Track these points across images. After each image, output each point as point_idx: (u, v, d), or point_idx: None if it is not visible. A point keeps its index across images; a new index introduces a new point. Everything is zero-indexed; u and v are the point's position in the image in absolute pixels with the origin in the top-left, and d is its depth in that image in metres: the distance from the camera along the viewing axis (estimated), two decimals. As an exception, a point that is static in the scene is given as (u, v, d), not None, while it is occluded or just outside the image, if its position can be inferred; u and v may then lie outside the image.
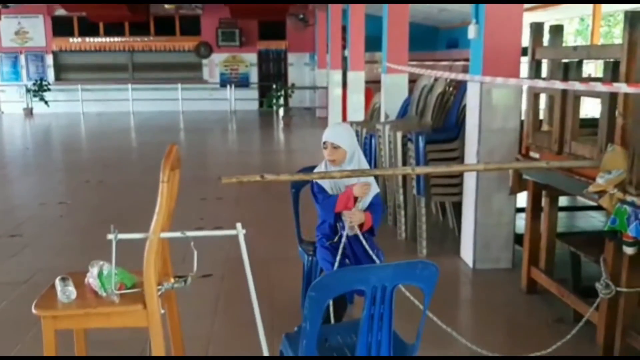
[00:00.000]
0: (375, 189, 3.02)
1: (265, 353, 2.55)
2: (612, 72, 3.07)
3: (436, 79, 5.68)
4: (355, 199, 2.87)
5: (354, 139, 3.05)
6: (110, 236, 2.53)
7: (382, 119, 7.22)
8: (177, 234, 2.64)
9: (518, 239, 4.41)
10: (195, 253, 2.57)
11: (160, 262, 2.69)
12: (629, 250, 2.87)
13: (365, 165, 3.10)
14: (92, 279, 2.61)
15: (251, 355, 3.23)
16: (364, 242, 2.91)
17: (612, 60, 3.14)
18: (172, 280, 2.72)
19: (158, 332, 2.58)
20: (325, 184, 2.98)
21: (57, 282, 2.61)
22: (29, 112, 17.83)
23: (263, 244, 4.90)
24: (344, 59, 13.43)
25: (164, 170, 2.52)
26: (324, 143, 2.96)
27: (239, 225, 2.60)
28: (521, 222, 4.39)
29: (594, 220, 5.68)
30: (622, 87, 2.86)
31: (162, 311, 2.61)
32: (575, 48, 3.59)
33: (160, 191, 2.54)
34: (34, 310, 2.52)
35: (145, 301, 2.54)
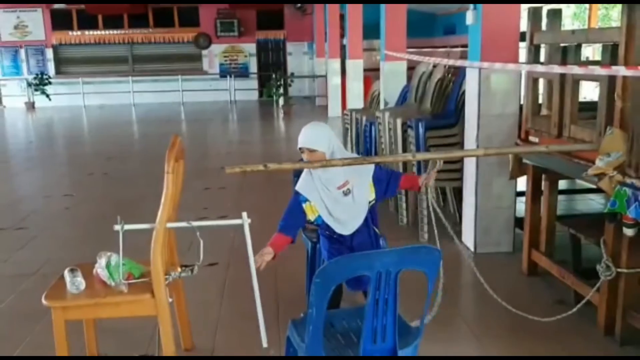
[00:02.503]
0: (369, 166, 2.94)
1: (264, 343, 2.58)
2: (611, 55, 3.09)
3: (435, 66, 5.69)
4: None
5: (331, 137, 2.89)
6: (117, 227, 2.57)
7: (382, 106, 7.24)
8: (184, 224, 2.68)
9: (518, 222, 4.45)
10: (202, 242, 2.61)
11: (167, 252, 2.74)
12: (629, 232, 2.91)
13: (348, 155, 3.01)
14: (100, 269, 2.65)
15: (256, 346, 3.28)
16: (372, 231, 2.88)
17: (610, 43, 3.15)
18: (179, 269, 2.77)
19: (166, 320, 2.64)
20: (311, 194, 2.86)
21: (66, 273, 2.65)
22: (30, 105, 17.84)
23: (267, 231, 4.88)
24: (343, 47, 13.41)
25: (168, 162, 2.56)
26: (300, 149, 2.87)
27: (244, 214, 2.64)
28: (521, 206, 4.42)
29: (594, 203, 5.72)
30: (620, 70, 2.87)
31: (170, 300, 2.67)
32: (573, 32, 3.60)
33: (165, 182, 2.58)
34: (44, 302, 2.57)
35: (153, 290, 2.59)
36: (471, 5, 4.39)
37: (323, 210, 2.88)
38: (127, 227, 2.58)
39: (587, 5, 10.04)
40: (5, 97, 18.71)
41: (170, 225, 2.66)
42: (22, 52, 18.66)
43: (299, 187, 2.91)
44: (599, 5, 10.04)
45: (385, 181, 2.95)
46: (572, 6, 13.95)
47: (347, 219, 2.90)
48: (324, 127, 2.96)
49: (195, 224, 2.67)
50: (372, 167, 2.94)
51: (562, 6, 4.45)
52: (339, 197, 2.87)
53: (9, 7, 17.82)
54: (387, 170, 3.02)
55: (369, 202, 2.93)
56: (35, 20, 18.50)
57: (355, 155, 3.13)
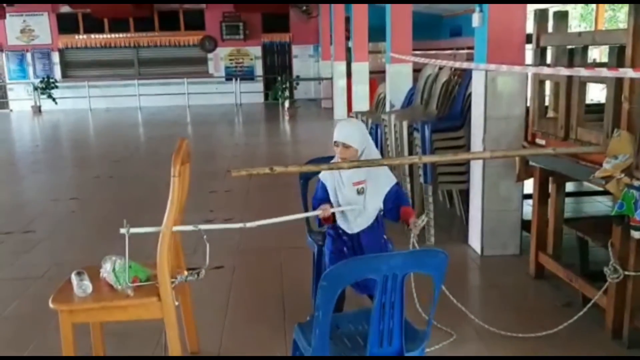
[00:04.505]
0: (391, 179, 3.01)
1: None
2: (618, 57, 3.07)
3: (440, 68, 5.69)
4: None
5: (365, 135, 3.00)
6: (123, 230, 2.56)
7: (388, 108, 7.24)
8: (190, 228, 2.68)
9: (525, 225, 4.43)
10: (208, 246, 2.61)
11: (173, 255, 2.74)
12: (636, 235, 2.89)
13: (376, 156, 3.08)
14: (106, 274, 2.66)
15: (263, 346, 3.29)
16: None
17: (617, 45, 3.14)
18: (186, 273, 2.77)
19: (173, 323, 2.64)
20: (328, 182, 2.96)
21: (73, 276, 2.66)
22: (37, 109, 17.91)
23: (273, 234, 4.94)
24: (348, 49, 13.43)
25: (174, 165, 2.56)
26: (335, 142, 2.96)
27: (248, 224, 2.63)
28: (528, 209, 4.41)
29: (601, 205, 5.69)
30: (627, 72, 2.86)
31: (177, 303, 2.67)
32: (580, 34, 3.59)
33: (172, 185, 2.58)
34: (51, 305, 2.58)
35: (160, 293, 2.59)
36: (477, 8, 4.39)
37: (334, 200, 2.96)
38: (133, 230, 2.58)
39: (593, 7, 10.02)
40: (12, 101, 18.80)
41: (176, 228, 2.66)
42: (29, 56, 18.74)
43: (322, 175, 3.01)
44: (606, 7, 10.02)
45: (391, 203, 2.98)
46: (579, 8, 13.92)
47: (352, 218, 2.96)
48: (360, 125, 3.08)
49: (202, 227, 2.67)
50: (392, 182, 2.99)
51: (569, 8, 4.43)
52: (352, 195, 2.93)
53: (16, 11, 17.90)
54: (400, 196, 3.03)
55: (380, 210, 2.98)
56: (42, 24, 18.58)
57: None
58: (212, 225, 2.73)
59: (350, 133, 2.94)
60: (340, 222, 2.98)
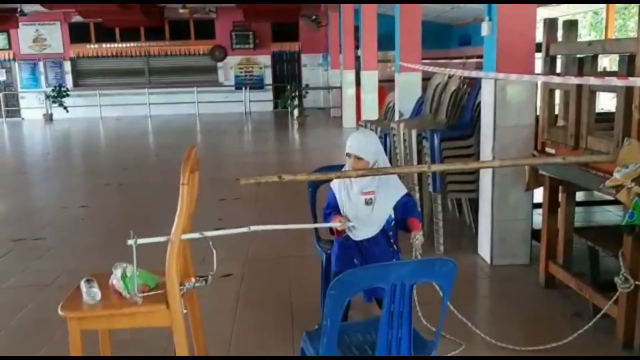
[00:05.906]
0: (401, 190, 3.00)
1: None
2: (628, 65, 3.06)
3: (450, 77, 5.68)
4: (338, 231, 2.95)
5: (377, 147, 3.00)
6: (130, 242, 2.55)
7: (397, 117, 7.24)
8: (196, 235, 2.69)
9: (535, 234, 4.41)
10: (215, 252, 2.61)
11: (182, 262, 2.74)
12: (647, 244, 2.87)
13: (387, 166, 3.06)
14: (116, 280, 2.66)
15: (271, 355, 3.28)
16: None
17: (627, 54, 3.13)
18: (193, 280, 2.77)
19: (181, 331, 2.63)
20: (342, 192, 2.96)
21: (82, 284, 2.66)
22: (48, 117, 18.09)
23: (281, 242, 4.96)
24: (357, 58, 13.47)
25: (184, 173, 2.57)
26: (347, 153, 2.96)
27: (252, 227, 2.64)
28: (538, 218, 4.39)
29: (611, 215, 5.66)
30: (638, 81, 2.85)
31: (185, 311, 2.66)
32: (589, 43, 3.58)
33: (181, 193, 2.59)
34: (60, 312, 2.58)
35: (168, 301, 2.59)
36: (486, 16, 4.39)
37: (342, 208, 2.96)
38: (141, 241, 2.57)
39: (603, 16, 9.99)
40: (24, 109, 19.00)
41: (183, 236, 2.66)
42: (41, 65, 18.95)
43: (332, 184, 3.02)
44: (616, 15, 9.99)
45: (400, 214, 2.98)
46: (588, 16, 13.90)
47: (358, 226, 2.93)
48: (373, 137, 3.09)
49: (208, 234, 2.67)
50: (402, 193, 2.98)
51: (578, 16, 4.43)
52: (360, 204, 2.92)
53: (28, 21, 18.10)
54: (409, 207, 3.01)
55: (391, 220, 2.97)
56: (54, 34, 18.79)
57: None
58: (217, 232, 2.73)
59: (363, 145, 2.95)
60: (346, 229, 2.97)
